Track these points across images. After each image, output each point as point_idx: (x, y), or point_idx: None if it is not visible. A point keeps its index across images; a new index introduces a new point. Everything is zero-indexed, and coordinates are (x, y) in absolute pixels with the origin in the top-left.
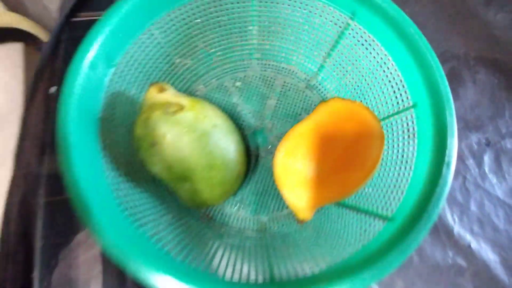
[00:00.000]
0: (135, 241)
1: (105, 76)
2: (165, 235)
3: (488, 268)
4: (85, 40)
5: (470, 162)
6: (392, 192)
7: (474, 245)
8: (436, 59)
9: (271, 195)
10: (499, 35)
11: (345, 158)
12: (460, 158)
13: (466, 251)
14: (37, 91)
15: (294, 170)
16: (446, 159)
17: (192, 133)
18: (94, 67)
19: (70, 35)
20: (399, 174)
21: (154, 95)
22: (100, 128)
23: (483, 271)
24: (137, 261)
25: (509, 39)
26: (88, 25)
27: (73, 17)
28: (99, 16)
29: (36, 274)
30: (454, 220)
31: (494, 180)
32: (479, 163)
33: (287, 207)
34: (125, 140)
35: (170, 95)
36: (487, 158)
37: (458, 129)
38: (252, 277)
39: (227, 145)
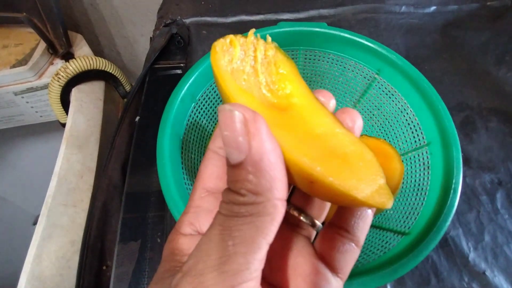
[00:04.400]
0: None
1: (189, 108)
2: None
3: None
4: (179, 83)
5: (484, 198)
6: (409, 213)
7: (488, 273)
8: (445, 106)
9: None
10: (509, 91)
11: None
12: (474, 194)
13: (481, 277)
14: (125, 119)
15: None
16: (453, 185)
17: None
18: (183, 101)
19: (150, 78)
20: (416, 199)
21: None
22: (182, 146)
23: None
24: None
25: None
26: (164, 70)
27: (154, 64)
28: (173, 64)
29: (110, 264)
30: (469, 248)
31: (506, 216)
32: (492, 200)
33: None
34: (197, 156)
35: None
36: (499, 196)
37: (473, 168)
38: None
39: None
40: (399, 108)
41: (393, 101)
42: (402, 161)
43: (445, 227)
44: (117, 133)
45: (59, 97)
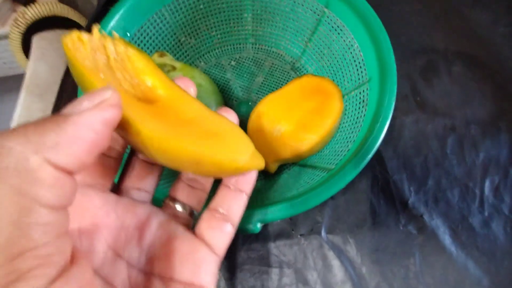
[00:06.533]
0: None
1: None
2: None
3: (437, 239)
4: (107, 15)
5: (434, 143)
6: (342, 151)
7: (426, 216)
8: (388, 40)
9: None
10: (481, 33)
11: (306, 123)
12: (425, 139)
13: (418, 220)
14: None
15: (262, 130)
16: (381, 117)
17: None
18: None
19: None
20: (350, 137)
21: (156, 58)
22: None
23: (431, 241)
24: None
25: (490, 36)
26: None
27: (109, 5)
28: None
29: None
30: (410, 192)
31: (454, 161)
32: (442, 145)
33: None
34: None
35: (167, 59)
36: (450, 141)
37: (427, 113)
38: None
39: (209, 102)
40: (347, 44)
41: (341, 37)
42: (346, 100)
43: (364, 160)
44: (65, 79)
45: (20, 45)
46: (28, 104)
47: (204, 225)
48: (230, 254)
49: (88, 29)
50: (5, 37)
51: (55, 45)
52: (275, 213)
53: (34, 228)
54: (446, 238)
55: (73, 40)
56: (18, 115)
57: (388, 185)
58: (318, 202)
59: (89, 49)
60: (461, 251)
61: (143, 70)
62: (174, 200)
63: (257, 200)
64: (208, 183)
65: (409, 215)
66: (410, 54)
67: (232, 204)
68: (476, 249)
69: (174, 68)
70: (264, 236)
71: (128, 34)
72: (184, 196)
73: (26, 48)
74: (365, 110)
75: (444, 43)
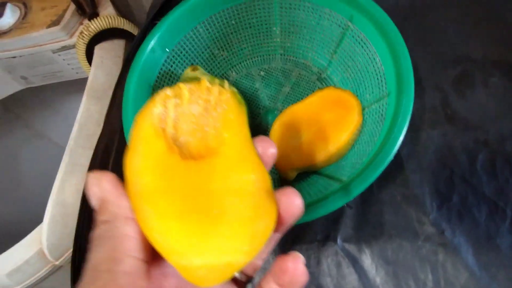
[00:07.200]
0: None
1: (161, 58)
2: None
3: (459, 256)
4: (149, 34)
5: (462, 158)
6: (357, 163)
7: (448, 233)
8: (408, 56)
9: None
10: None
11: (323, 134)
12: (452, 153)
13: (438, 236)
14: (125, 73)
15: (283, 139)
16: (393, 134)
17: None
18: (153, 51)
19: None
20: (366, 150)
21: (188, 72)
22: (152, 93)
23: (452, 258)
24: None
25: None
26: None
27: (156, 20)
28: None
29: None
30: (432, 207)
31: (484, 177)
32: (472, 160)
33: None
34: None
35: (199, 73)
36: (481, 157)
37: (456, 126)
38: None
39: None
40: (369, 58)
41: (365, 50)
42: (366, 112)
43: (371, 177)
44: (117, 85)
45: (84, 54)
46: (88, 106)
47: None
48: None
49: (139, 39)
50: (73, 46)
51: (112, 53)
52: None
53: (121, 275)
54: (468, 257)
55: (170, 93)
56: (80, 115)
57: (409, 199)
58: (319, 215)
59: (186, 95)
60: (485, 272)
61: (228, 123)
62: None
63: None
64: (264, 253)
65: (429, 230)
66: (442, 64)
67: None
68: (503, 272)
69: None
70: (281, 239)
71: (167, 50)
72: None
73: (90, 56)
74: (382, 124)
75: (482, 52)
